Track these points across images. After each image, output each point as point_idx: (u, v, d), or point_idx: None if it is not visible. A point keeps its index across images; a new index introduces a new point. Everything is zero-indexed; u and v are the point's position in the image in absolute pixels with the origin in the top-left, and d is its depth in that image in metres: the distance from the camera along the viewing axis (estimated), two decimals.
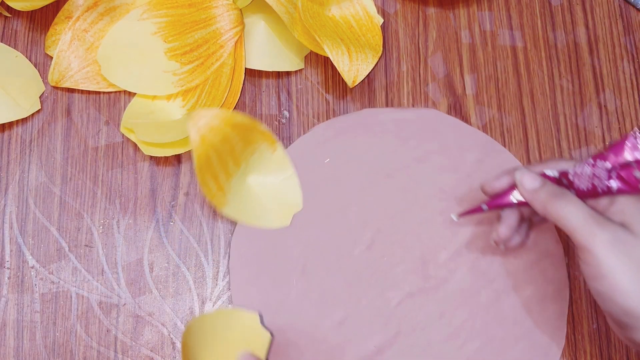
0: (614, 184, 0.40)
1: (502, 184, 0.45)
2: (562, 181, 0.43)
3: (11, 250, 0.49)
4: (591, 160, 0.41)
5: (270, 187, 0.50)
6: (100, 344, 0.48)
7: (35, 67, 0.53)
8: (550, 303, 0.49)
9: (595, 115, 0.54)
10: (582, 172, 0.42)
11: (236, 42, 0.52)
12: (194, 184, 0.51)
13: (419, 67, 0.55)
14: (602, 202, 0.42)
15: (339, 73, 0.53)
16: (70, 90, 0.53)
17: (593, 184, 0.41)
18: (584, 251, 0.40)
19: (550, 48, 0.56)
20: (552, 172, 0.43)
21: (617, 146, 0.41)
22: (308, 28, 0.50)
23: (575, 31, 0.56)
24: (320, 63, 0.53)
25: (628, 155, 0.40)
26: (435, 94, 0.54)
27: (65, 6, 0.53)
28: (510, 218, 0.46)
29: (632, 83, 0.55)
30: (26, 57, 0.53)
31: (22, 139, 0.51)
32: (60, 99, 0.52)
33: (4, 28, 0.54)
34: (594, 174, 0.41)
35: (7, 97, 0.50)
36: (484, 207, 0.45)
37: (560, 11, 0.57)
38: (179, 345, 0.48)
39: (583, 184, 0.42)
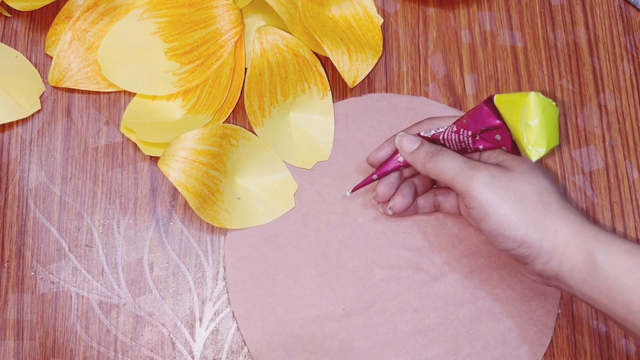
0: (479, 145, 0.43)
1: (385, 152, 0.48)
2: (437, 140, 0.46)
3: (11, 250, 0.49)
4: (454, 128, 0.44)
5: (307, 128, 0.52)
6: (100, 344, 0.48)
7: (36, 67, 0.53)
8: (527, 343, 0.48)
9: (595, 115, 0.54)
10: (450, 138, 0.45)
11: (236, 42, 0.52)
12: None
13: (419, 67, 0.55)
14: (475, 154, 0.45)
15: (339, 73, 0.53)
16: (70, 91, 0.53)
17: (462, 146, 0.44)
18: (466, 196, 0.42)
19: (550, 48, 0.56)
20: (426, 134, 0.46)
21: (474, 115, 0.42)
22: (308, 28, 0.50)
23: (575, 31, 0.56)
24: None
25: (485, 122, 0.42)
26: (435, 94, 0.54)
27: (66, 6, 0.53)
28: (388, 177, 0.48)
29: (632, 83, 0.55)
30: (26, 57, 0.53)
31: (22, 139, 0.51)
32: (60, 99, 0.52)
33: (4, 28, 0.54)
34: (460, 139, 0.44)
35: (7, 97, 0.50)
36: (375, 177, 0.48)
37: (560, 11, 0.57)
38: (179, 345, 0.48)
39: (453, 146, 0.45)
